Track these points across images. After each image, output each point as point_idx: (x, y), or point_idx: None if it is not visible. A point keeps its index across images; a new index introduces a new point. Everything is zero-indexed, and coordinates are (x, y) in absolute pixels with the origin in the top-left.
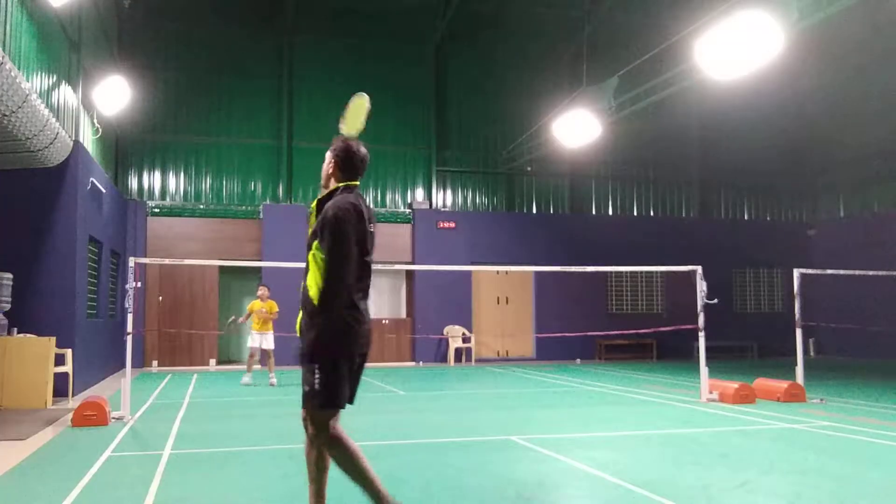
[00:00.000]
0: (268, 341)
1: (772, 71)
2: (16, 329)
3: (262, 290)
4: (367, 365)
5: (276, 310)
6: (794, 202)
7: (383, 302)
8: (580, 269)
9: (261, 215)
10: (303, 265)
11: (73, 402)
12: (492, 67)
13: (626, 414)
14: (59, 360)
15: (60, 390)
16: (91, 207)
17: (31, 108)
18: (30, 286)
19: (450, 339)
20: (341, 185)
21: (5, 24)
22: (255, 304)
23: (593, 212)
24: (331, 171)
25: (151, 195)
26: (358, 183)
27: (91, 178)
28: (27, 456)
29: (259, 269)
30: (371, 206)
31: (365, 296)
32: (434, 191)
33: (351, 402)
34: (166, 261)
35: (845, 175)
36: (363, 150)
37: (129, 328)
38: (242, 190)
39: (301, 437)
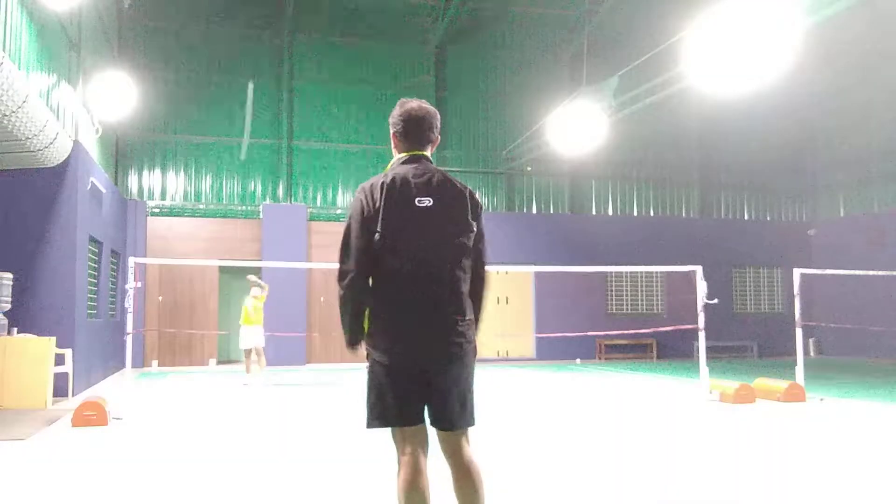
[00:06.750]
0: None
1: (772, 71)
2: (16, 329)
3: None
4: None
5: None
6: (794, 202)
7: None
8: (580, 269)
9: (261, 215)
10: (302, 265)
11: (73, 402)
12: (492, 67)
13: (625, 414)
14: (59, 359)
15: (60, 390)
16: (91, 207)
17: (31, 108)
18: (30, 286)
19: None
20: (398, 157)
21: (5, 24)
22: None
23: (593, 212)
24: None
25: (151, 195)
26: (415, 153)
27: (91, 178)
28: (27, 456)
29: (259, 268)
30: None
31: (399, 288)
32: None
33: (394, 423)
34: (166, 261)
35: (845, 175)
36: (409, 104)
37: (129, 328)
38: (242, 190)
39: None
